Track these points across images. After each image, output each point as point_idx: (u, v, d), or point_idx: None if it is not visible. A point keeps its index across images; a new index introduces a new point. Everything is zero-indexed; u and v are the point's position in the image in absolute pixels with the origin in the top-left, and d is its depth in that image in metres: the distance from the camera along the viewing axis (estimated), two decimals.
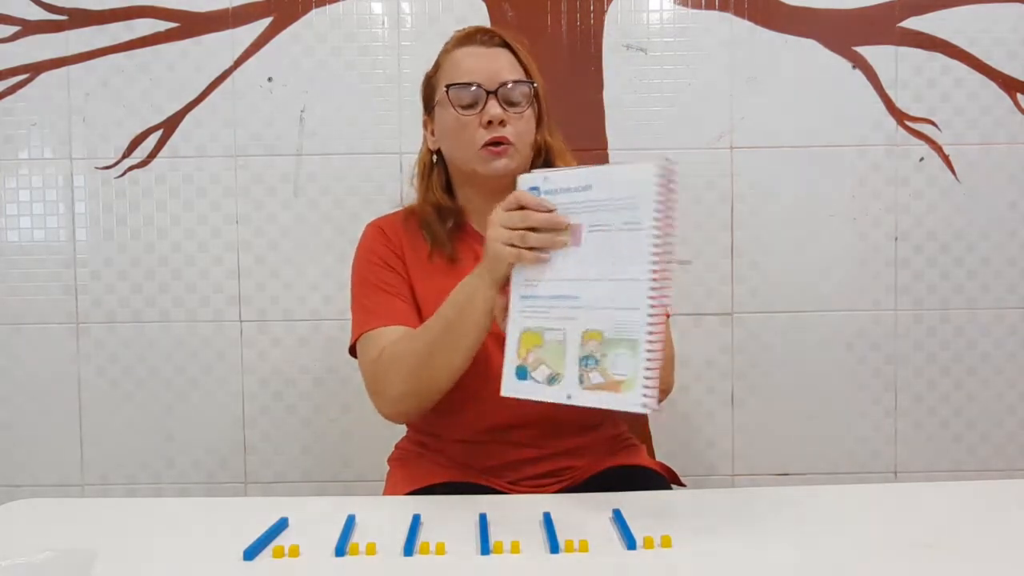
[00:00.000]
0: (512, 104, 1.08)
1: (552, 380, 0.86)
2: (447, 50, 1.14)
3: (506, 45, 1.12)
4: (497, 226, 0.90)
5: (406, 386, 1.02)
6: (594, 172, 0.86)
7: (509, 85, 1.07)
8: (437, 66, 1.15)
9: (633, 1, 1.61)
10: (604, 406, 0.83)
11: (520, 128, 1.08)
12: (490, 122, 1.06)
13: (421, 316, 1.09)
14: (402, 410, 1.07)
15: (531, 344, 0.88)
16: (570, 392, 0.85)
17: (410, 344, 1.01)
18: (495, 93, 1.06)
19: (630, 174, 0.83)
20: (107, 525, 0.87)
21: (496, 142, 1.06)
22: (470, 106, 1.07)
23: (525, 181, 0.91)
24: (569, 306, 0.86)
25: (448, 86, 1.08)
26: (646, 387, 0.80)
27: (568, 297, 0.86)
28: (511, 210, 0.90)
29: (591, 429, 1.15)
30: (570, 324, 0.85)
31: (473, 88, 1.07)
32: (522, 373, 0.88)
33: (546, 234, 0.87)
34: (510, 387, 0.89)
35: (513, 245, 0.89)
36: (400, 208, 1.20)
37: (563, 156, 1.15)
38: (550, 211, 0.88)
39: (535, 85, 1.10)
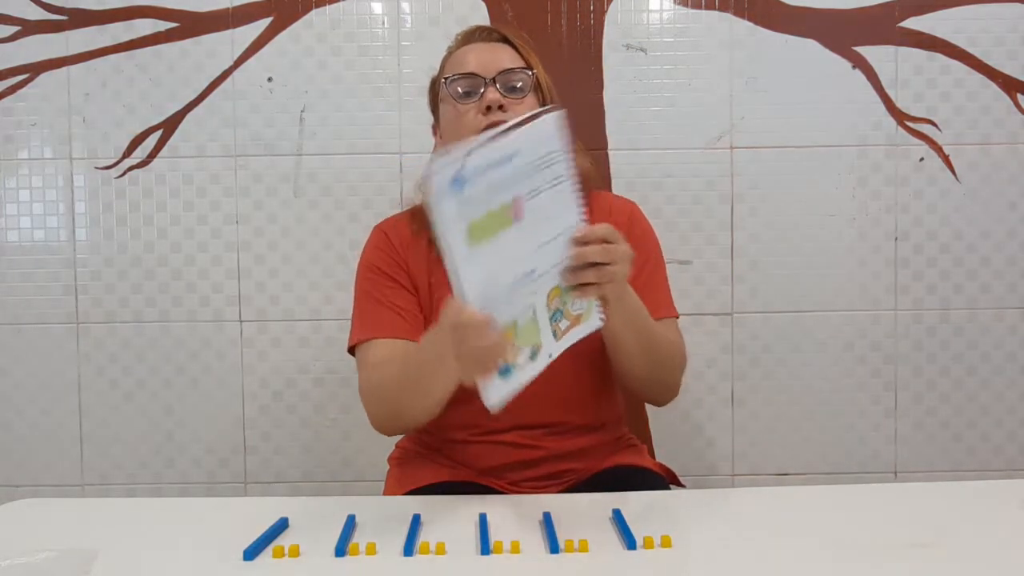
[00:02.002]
0: (512, 91, 1.07)
1: (534, 355, 0.83)
2: (449, 52, 1.15)
3: (506, 40, 1.12)
4: (467, 348, 0.78)
5: (385, 411, 1.04)
6: (514, 139, 0.76)
7: (507, 72, 1.07)
8: (441, 68, 1.16)
9: (633, 1, 1.61)
10: (573, 341, 0.87)
11: (522, 113, 1.06)
12: (489, 108, 1.05)
13: (422, 305, 1.10)
14: (386, 431, 1.08)
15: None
16: (551, 351, 0.85)
17: (390, 374, 1.01)
18: (493, 81, 1.06)
19: (542, 129, 0.80)
20: (107, 525, 0.87)
21: (495, 124, 1.03)
22: (469, 96, 1.07)
23: (439, 170, 0.72)
24: (530, 281, 0.81)
25: (446, 78, 1.09)
26: (597, 306, 0.89)
27: (526, 274, 0.80)
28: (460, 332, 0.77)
29: (593, 431, 1.14)
30: (536, 297, 0.83)
31: (471, 77, 1.07)
32: (505, 371, 0.81)
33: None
34: (497, 394, 0.80)
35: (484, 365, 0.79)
36: (409, 208, 1.19)
37: (577, 153, 1.12)
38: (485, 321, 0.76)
39: (534, 73, 1.09)
